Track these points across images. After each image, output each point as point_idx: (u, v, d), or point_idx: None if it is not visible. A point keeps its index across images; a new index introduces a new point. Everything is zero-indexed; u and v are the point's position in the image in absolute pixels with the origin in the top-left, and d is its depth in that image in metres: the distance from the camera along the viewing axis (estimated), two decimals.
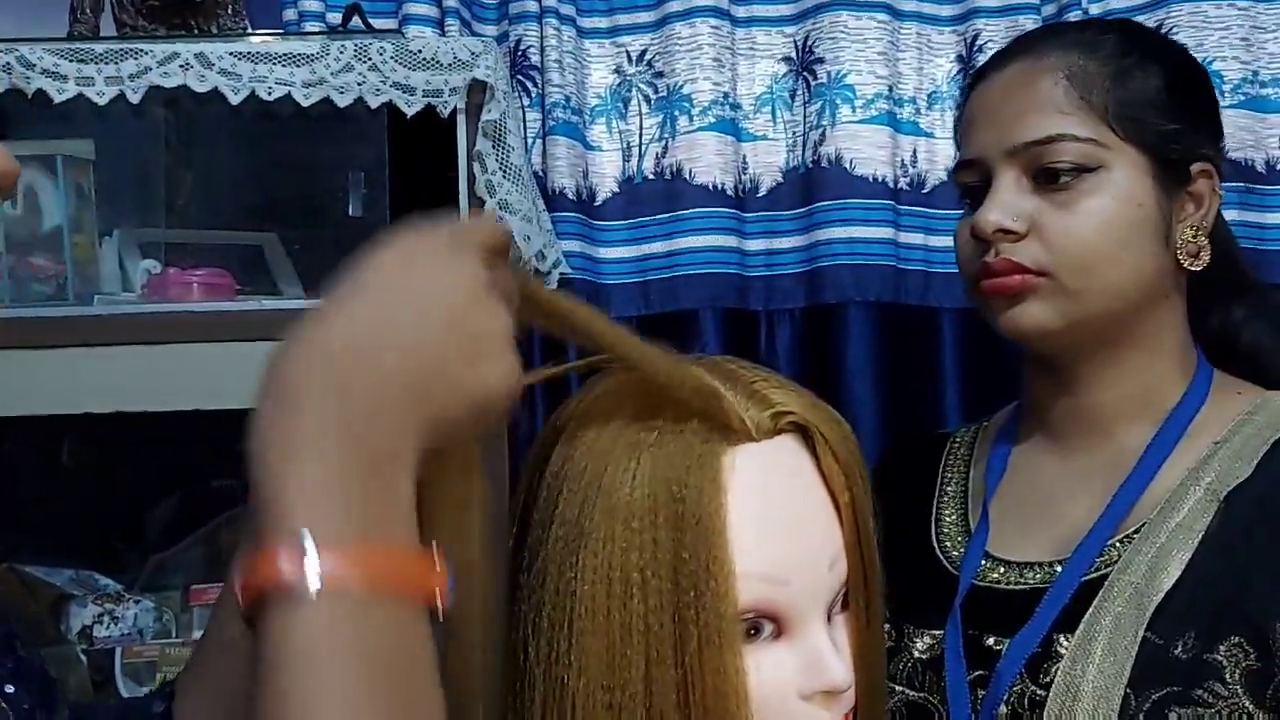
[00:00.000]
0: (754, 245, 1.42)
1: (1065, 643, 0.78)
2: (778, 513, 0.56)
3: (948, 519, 0.91)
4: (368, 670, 0.41)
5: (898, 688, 0.84)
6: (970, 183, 0.87)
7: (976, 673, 0.81)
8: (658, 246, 1.41)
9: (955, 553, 0.88)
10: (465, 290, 0.48)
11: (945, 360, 1.40)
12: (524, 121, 1.34)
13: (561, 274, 1.33)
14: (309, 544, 0.41)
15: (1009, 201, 0.82)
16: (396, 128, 1.17)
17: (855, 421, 1.37)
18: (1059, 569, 0.82)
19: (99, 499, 1.40)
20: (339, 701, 0.40)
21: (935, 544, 0.90)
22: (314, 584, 0.41)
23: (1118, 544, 0.81)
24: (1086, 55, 0.83)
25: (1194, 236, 0.83)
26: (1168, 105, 0.83)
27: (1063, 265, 0.80)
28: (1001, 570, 0.85)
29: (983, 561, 0.86)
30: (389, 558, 0.43)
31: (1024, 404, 0.92)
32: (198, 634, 1.33)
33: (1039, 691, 0.77)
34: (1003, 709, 0.78)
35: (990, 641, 0.81)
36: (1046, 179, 0.81)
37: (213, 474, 1.41)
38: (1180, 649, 0.75)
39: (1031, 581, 0.83)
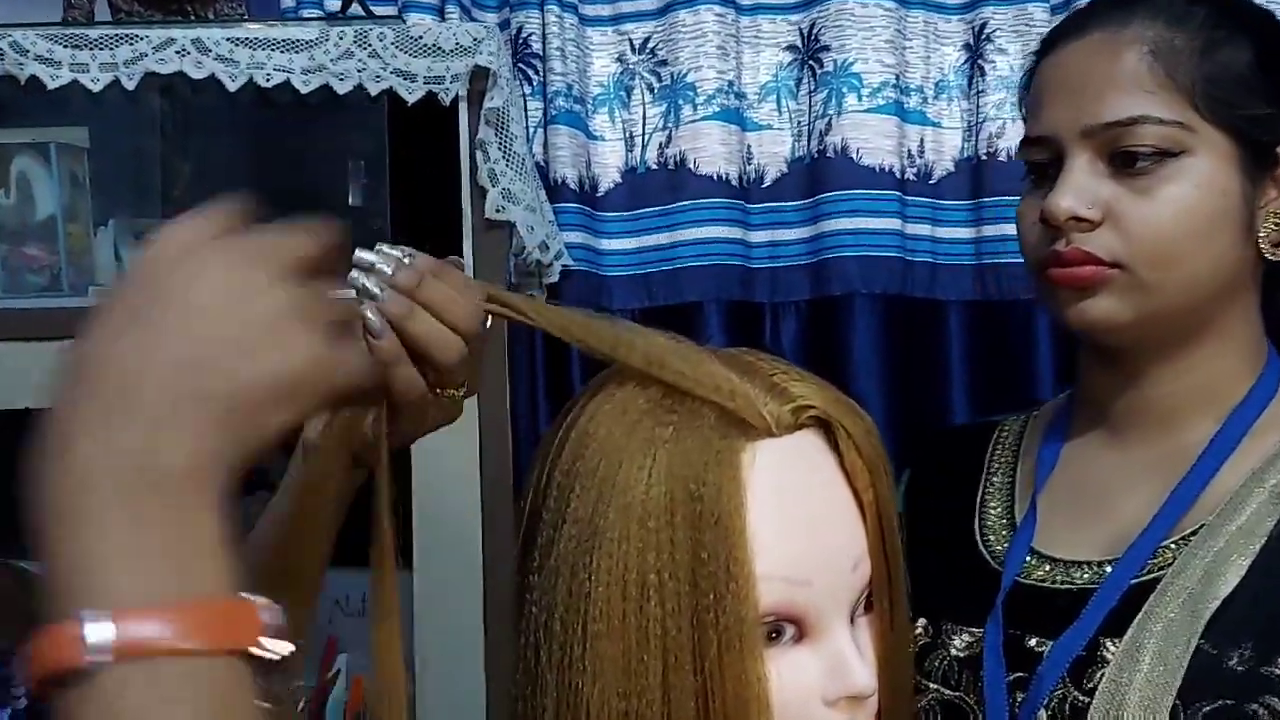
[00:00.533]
0: (758, 236, 1.40)
1: (1112, 648, 0.74)
2: (799, 511, 0.55)
3: (992, 512, 0.87)
4: None
5: (932, 686, 0.81)
6: (1037, 160, 0.81)
7: (1016, 674, 0.78)
8: (661, 238, 1.39)
9: (999, 548, 0.84)
10: (224, 279, 0.44)
11: (952, 353, 1.38)
12: (525, 110, 1.32)
13: (564, 266, 1.31)
14: (91, 618, 0.39)
15: (1084, 186, 0.76)
16: (397, 115, 1.15)
17: None
18: (1108, 569, 0.78)
19: None
20: None
21: (978, 538, 0.86)
22: (103, 658, 0.38)
23: (1172, 546, 0.77)
24: (1174, 27, 0.77)
25: (1278, 225, 0.78)
26: (1259, 84, 0.77)
27: (1139, 257, 0.76)
28: (1047, 568, 0.81)
29: (1028, 558, 0.82)
30: (194, 611, 0.39)
31: (1079, 394, 0.87)
32: None
33: (1082, 698, 0.74)
34: (1042, 713, 0.75)
35: (1032, 643, 0.78)
36: (1123, 162, 0.76)
37: None
38: (1236, 660, 0.71)
39: (1079, 581, 0.79)
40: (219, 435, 0.42)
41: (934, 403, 1.38)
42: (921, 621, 0.83)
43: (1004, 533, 0.85)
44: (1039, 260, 0.79)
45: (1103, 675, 0.73)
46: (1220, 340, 0.79)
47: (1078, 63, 0.79)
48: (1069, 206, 0.76)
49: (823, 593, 0.54)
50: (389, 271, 0.54)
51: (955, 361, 1.38)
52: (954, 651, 0.81)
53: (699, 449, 0.53)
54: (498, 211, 1.14)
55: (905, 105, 1.39)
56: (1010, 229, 1.40)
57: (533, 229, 1.15)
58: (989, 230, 1.38)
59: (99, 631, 0.39)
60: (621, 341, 0.57)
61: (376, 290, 0.54)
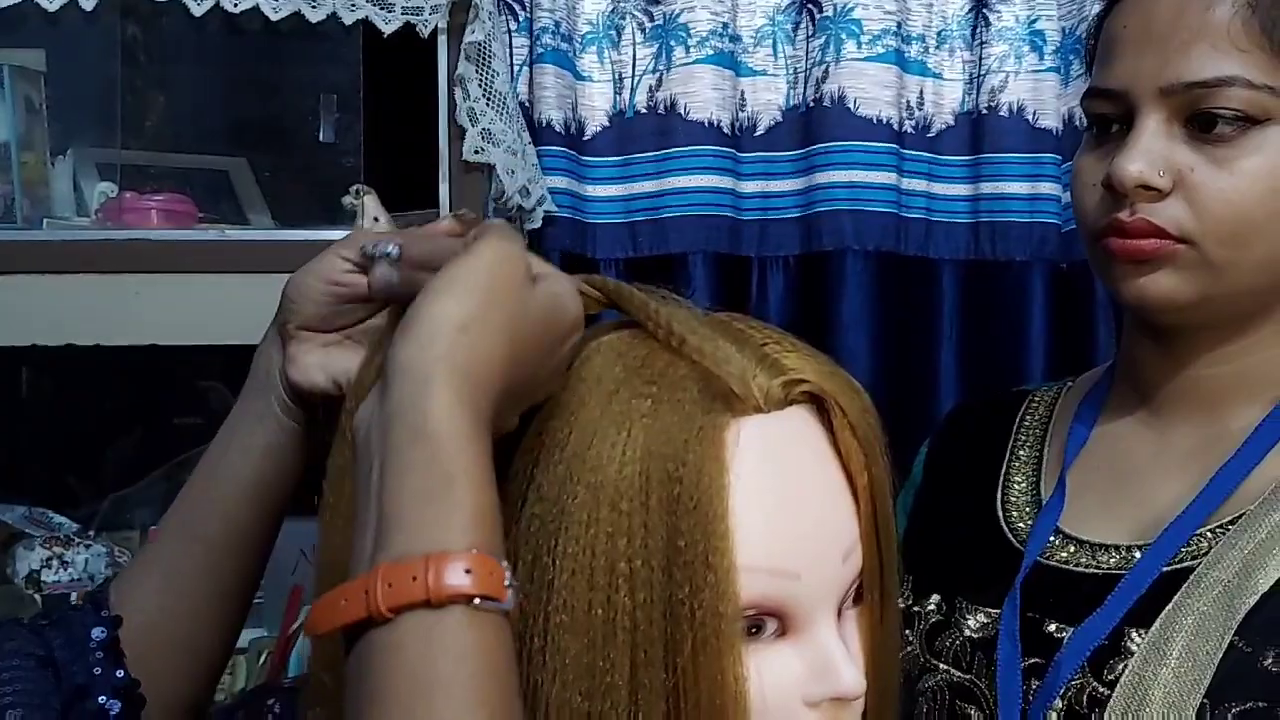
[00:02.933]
0: (749, 187, 1.35)
1: (1138, 639, 0.69)
2: (787, 495, 0.50)
3: (1016, 486, 0.81)
4: (496, 681, 0.43)
5: (942, 666, 0.76)
6: (1103, 113, 0.73)
7: (1032, 660, 0.72)
8: (648, 185, 1.34)
9: (1021, 525, 0.78)
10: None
11: (944, 315, 1.34)
12: (510, 47, 1.26)
13: (546, 212, 1.26)
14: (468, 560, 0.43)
15: (1155, 151, 0.69)
16: (372, 47, 1.09)
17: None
18: (1138, 555, 0.72)
19: (55, 434, 1.34)
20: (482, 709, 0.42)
21: (1000, 512, 0.80)
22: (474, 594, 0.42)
23: (1209, 534, 0.71)
24: None
25: None
26: None
27: (1210, 234, 0.68)
28: (1072, 549, 0.75)
29: (1052, 538, 0.76)
30: (483, 562, 0.43)
31: (1119, 368, 0.81)
32: None
33: (1102, 689, 0.69)
34: (1058, 703, 0.70)
35: (1051, 628, 0.72)
36: (1202, 127, 0.69)
37: (173, 411, 1.35)
38: (1271, 660, 0.66)
39: (1105, 565, 0.73)
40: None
41: (923, 365, 1.34)
42: (935, 598, 0.78)
43: (1028, 509, 0.79)
44: (1096, 227, 0.72)
45: (1126, 667, 0.68)
46: (1278, 325, 0.73)
47: (1162, 10, 0.71)
48: (1138, 172, 0.68)
49: (810, 586, 0.50)
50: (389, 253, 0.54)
51: (947, 323, 1.34)
52: (967, 631, 0.76)
53: (679, 425, 0.48)
54: (476, 153, 1.09)
55: (906, 54, 1.33)
56: (1010, 187, 1.39)
57: (513, 173, 1.10)
58: (987, 188, 1.34)
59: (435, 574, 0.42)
60: (636, 299, 0.54)
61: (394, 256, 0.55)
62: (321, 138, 1.11)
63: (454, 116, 1.08)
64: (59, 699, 0.56)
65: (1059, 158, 1.33)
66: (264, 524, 0.62)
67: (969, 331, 1.34)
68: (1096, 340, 1.32)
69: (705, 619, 0.47)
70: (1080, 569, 0.74)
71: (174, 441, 1.30)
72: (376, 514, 0.44)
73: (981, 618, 0.75)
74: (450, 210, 1.07)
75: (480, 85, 1.07)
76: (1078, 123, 1.33)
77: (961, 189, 1.35)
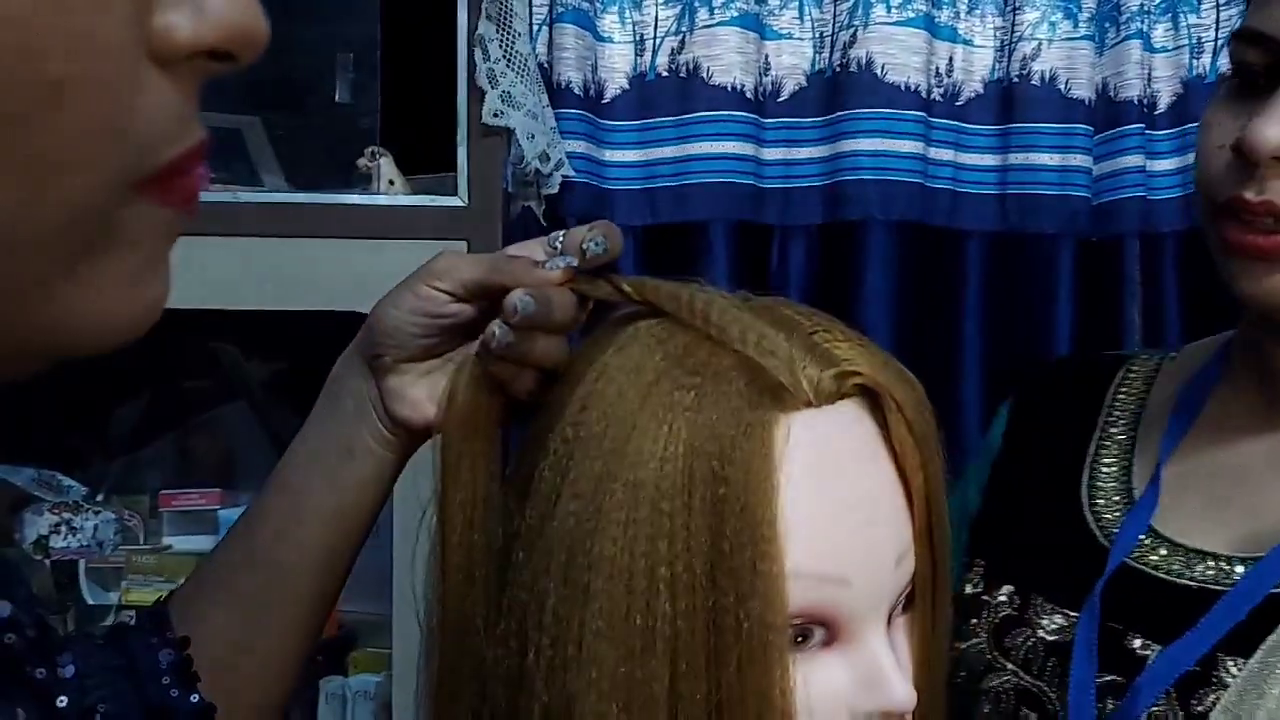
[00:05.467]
0: (771, 154, 1.31)
1: (1234, 669, 0.61)
2: (838, 496, 0.47)
3: (1105, 471, 0.72)
4: None
5: (1010, 667, 0.69)
6: (1249, 61, 0.62)
7: (1109, 677, 0.65)
8: (668, 151, 1.31)
9: (1108, 516, 0.70)
10: None
11: (969, 288, 1.31)
12: (530, 6, 1.22)
13: (564, 177, 1.23)
14: None
15: None
16: (391, 5, 1.05)
17: None
18: (1239, 570, 0.64)
19: (64, 397, 1.32)
20: None
21: (1085, 500, 0.71)
22: None
23: None
24: None
25: None
26: None
27: None
28: (1164, 553, 0.67)
29: (1143, 537, 0.68)
30: None
31: (1238, 349, 0.71)
32: (167, 540, 1.27)
33: None
34: None
35: (1135, 644, 0.65)
36: None
37: (183, 374, 1.33)
38: None
39: (1200, 577, 0.65)
40: None
41: (946, 339, 1.31)
42: (1006, 589, 0.71)
43: (1117, 499, 0.71)
44: (1217, 202, 0.63)
45: (1218, 700, 0.61)
46: None
47: None
48: (1277, 139, 0.58)
49: (861, 593, 0.47)
50: (530, 313, 0.53)
51: (971, 296, 1.31)
52: (1041, 633, 0.69)
53: (725, 420, 0.46)
54: (496, 116, 1.05)
55: (936, 19, 1.30)
56: (1038, 158, 1.35)
57: (533, 137, 1.07)
58: (1016, 158, 1.31)
59: None
60: (664, 292, 0.51)
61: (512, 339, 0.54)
62: (338, 97, 1.08)
63: (473, 78, 1.05)
64: (140, 714, 0.53)
65: (1091, 129, 1.30)
66: (352, 551, 0.61)
67: (994, 305, 1.32)
68: (1124, 318, 1.29)
69: (752, 629, 0.44)
70: (1172, 578, 0.66)
71: (184, 404, 1.28)
72: None
73: (1059, 619, 0.68)
74: (467, 174, 1.04)
75: (501, 46, 1.03)
76: (1111, 93, 1.30)
77: (990, 159, 1.32)
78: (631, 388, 0.47)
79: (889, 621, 0.50)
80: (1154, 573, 0.67)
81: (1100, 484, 0.73)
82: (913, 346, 1.31)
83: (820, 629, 0.48)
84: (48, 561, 1.14)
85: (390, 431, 0.58)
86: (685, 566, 0.45)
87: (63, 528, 1.13)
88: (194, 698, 0.54)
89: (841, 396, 0.48)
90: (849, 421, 0.48)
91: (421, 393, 0.57)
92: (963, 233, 1.31)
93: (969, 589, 0.72)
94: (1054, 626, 0.68)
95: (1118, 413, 0.75)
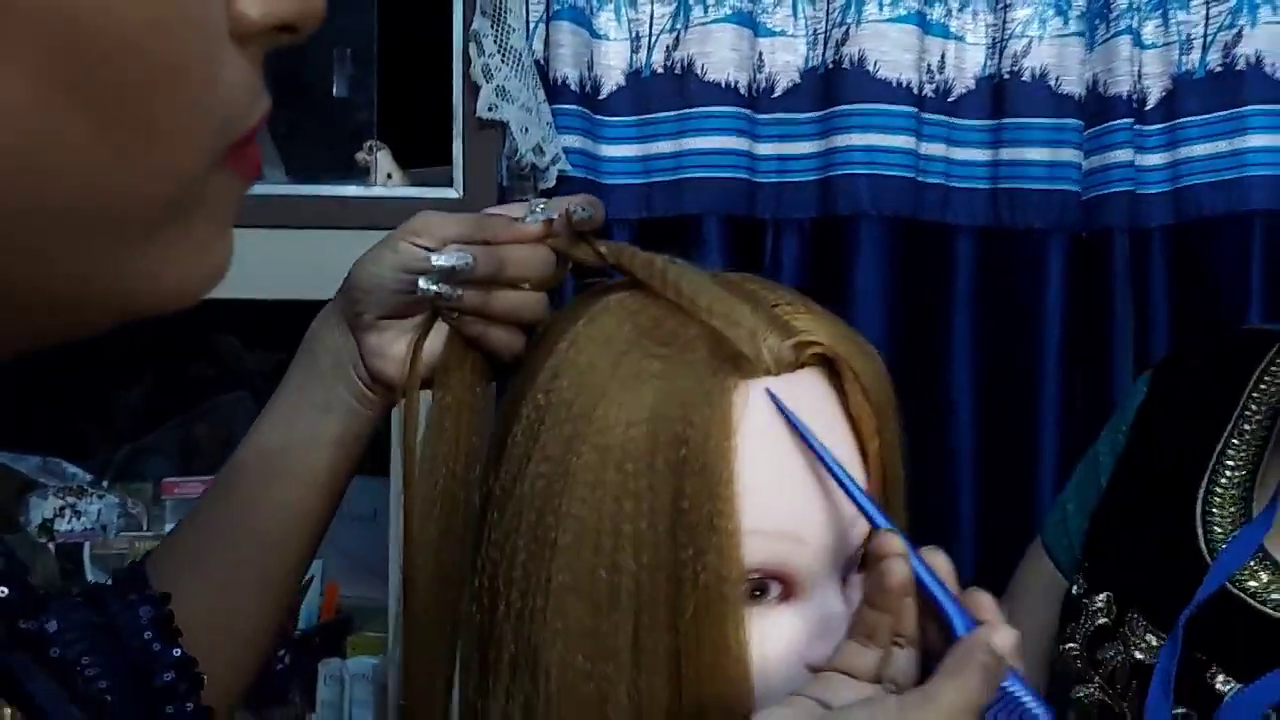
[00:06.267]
0: (765, 149, 1.33)
1: None
2: (795, 459, 0.49)
3: (1227, 475, 0.65)
4: None
5: (1097, 679, 0.65)
6: None
7: (1184, 710, 0.61)
8: (664, 146, 1.33)
9: (1219, 530, 0.64)
10: None
11: (960, 282, 1.33)
12: (526, 3, 1.24)
13: (560, 171, 1.25)
14: None
15: None
16: (388, 2, 1.08)
17: None
18: None
19: (68, 385, 1.34)
20: None
21: (1199, 508, 0.65)
22: None
23: None
24: None
25: None
26: None
27: None
28: (1265, 578, 0.61)
29: (1251, 560, 0.62)
30: None
31: None
32: (170, 527, 1.29)
33: None
34: None
35: (1218, 680, 0.61)
36: None
37: (186, 362, 1.35)
38: None
39: None
40: None
41: (939, 332, 1.33)
42: (1105, 595, 0.67)
43: (1233, 509, 0.65)
44: None
45: None
46: None
47: None
48: None
49: (816, 551, 0.49)
50: (459, 268, 0.54)
51: (963, 290, 1.33)
52: (1134, 652, 0.64)
53: (688, 387, 0.48)
54: (490, 110, 1.08)
55: (928, 16, 1.31)
56: (1030, 153, 1.36)
57: (527, 130, 1.09)
58: (1007, 154, 1.32)
59: None
60: (639, 260, 0.53)
61: (453, 292, 0.55)
62: (335, 92, 1.10)
63: (468, 73, 1.07)
64: (123, 668, 0.54)
65: (1081, 124, 1.31)
66: (327, 511, 0.61)
67: (985, 298, 1.33)
68: (1114, 311, 1.31)
69: (709, 582, 0.46)
70: (1268, 608, 0.61)
71: (186, 392, 1.31)
72: None
73: (1151, 639, 0.64)
74: (463, 167, 1.06)
75: (495, 41, 1.06)
76: (1101, 89, 1.31)
77: (980, 154, 1.33)
78: (601, 357, 0.49)
79: (845, 580, 0.52)
80: (1250, 600, 0.62)
81: (1219, 489, 0.66)
82: (905, 339, 1.33)
83: (776, 584, 0.50)
84: (52, 545, 1.16)
85: (369, 388, 0.59)
86: (648, 524, 0.47)
87: (67, 511, 1.15)
88: (176, 651, 0.54)
89: (801, 365, 0.50)
90: (807, 388, 0.50)
91: (402, 349, 0.58)
92: (954, 227, 1.33)
93: (1074, 590, 0.68)
94: (1145, 647, 0.64)
95: (1254, 406, 0.67)
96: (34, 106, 0.27)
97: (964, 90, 1.33)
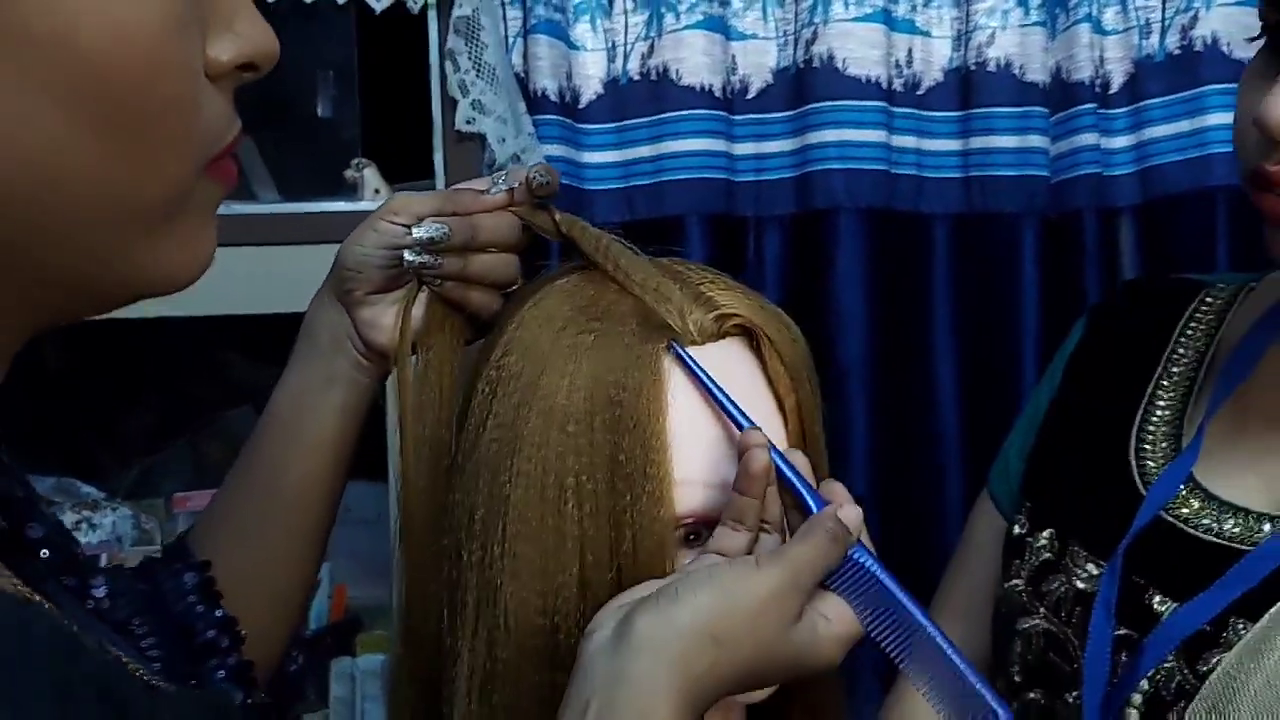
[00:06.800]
0: (743, 149, 1.38)
1: (1243, 631, 0.60)
2: (719, 416, 0.55)
3: (1159, 414, 0.69)
4: None
5: (1042, 611, 0.68)
6: (1273, 23, 0.61)
7: (1126, 632, 0.64)
8: (643, 150, 1.37)
9: (1152, 464, 0.68)
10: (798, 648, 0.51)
11: (937, 268, 1.37)
12: (504, 19, 1.29)
13: None
14: None
15: None
16: (366, 24, 1.13)
17: (844, 332, 1.36)
18: (1266, 528, 0.62)
19: (79, 407, 1.39)
20: None
21: (1133, 445, 0.69)
22: None
23: None
24: None
25: None
26: None
27: None
28: (1196, 505, 0.65)
29: (1182, 488, 0.66)
30: None
31: None
32: None
33: (1193, 680, 0.61)
34: (1145, 685, 0.62)
35: (1155, 600, 0.64)
36: None
37: (191, 382, 1.40)
38: None
39: (1227, 533, 0.63)
40: None
41: (918, 319, 1.37)
42: (1048, 532, 0.70)
43: (1164, 445, 0.69)
44: (1244, 172, 0.62)
45: (1220, 662, 0.59)
46: None
47: None
48: None
49: None
50: (436, 238, 0.60)
51: (940, 276, 1.37)
52: (1076, 582, 0.67)
53: (621, 354, 0.53)
54: (468, 123, 1.12)
55: (893, 14, 1.36)
56: (999, 141, 1.40)
57: (504, 141, 1.14)
58: (976, 142, 1.36)
59: None
60: (589, 234, 0.60)
61: (434, 261, 0.61)
62: (320, 113, 1.16)
63: (445, 89, 1.12)
64: (171, 628, 0.61)
65: (1047, 110, 1.35)
66: (339, 474, 0.68)
67: (961, 282, 1.37)
68: (1085, 289, 1.35)
69: (644, 525, 0.52)
70: (1199, 533, 0.64)
71: (193, 411, 1.36)
72: None
73: (1091, 568, 0.67)
74: (445, 179, 1.11)
75: (470, 58, 1.11)
76: (1064, 75, 1.35)
77: (951, 144, 1.37)
78: (544, 333, 0.55)
79: None
80: (1183, 527, 0.65)
81: (1151, 428, 0.70)
82: (886, 325, 1.37)
83: (708, 529, 0.55)
84: None
85: (365, 358, 0.66)
86: (589, 477, 0.52)
87: (83, 525, 1.20)
88: (218, 612, 0.62)
89: (723, 335, 0.55)
90: (729, 356, 0.56)
91: (391, 319, 0.64)
92: (929, 215, 1.37)
93: (1016, 529, 0.71)
94: (1086, 575, 0.68)
95: (1182, 349, 0.71)
96: (64, 132, 0.36)
97: (932, 83, 1.37)
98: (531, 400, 0.53)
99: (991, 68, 1.35)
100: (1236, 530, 0.64)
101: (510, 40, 1.31)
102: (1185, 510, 0.66)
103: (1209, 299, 0.73)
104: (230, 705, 0.44)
